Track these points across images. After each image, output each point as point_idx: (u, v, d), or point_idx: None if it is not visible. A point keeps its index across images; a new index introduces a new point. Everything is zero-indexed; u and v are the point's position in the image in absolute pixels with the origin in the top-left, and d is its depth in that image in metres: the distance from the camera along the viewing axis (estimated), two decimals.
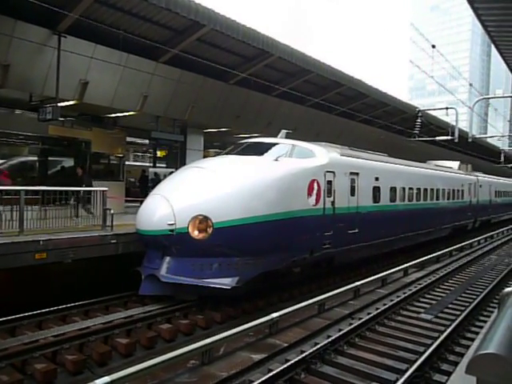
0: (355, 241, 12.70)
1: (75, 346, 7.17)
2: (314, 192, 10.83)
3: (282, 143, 11.49)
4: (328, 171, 11.49)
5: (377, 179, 14.18)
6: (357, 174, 12.90)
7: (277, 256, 9.98)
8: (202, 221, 8.94)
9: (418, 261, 14.27)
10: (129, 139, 18.15)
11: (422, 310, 9.62)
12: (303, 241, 10.66)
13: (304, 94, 18.86)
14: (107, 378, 5.17)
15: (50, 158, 16.46)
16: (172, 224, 8.87)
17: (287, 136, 12.57)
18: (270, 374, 5.92)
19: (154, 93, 14.56)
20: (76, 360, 6.73)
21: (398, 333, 8.12)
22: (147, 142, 25.46)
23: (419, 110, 22.72)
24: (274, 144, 11.44)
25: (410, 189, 16.85)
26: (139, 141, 26.86)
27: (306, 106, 20.78)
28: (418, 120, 21.79)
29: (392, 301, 9.89)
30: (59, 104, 12.14)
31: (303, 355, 6.58)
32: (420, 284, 11.83)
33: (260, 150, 11.17)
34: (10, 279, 8.99)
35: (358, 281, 11.03)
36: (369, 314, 8.86)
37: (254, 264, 9.46)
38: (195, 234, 8.94)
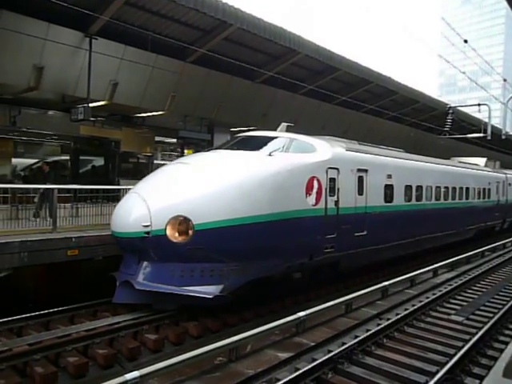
0: (364, 244, 11.54)
1: (106, 341, 7.35)
2: (314, 191, 9.76)
3: (281, 137, 10.41)
4: (331, 168, 10.33)
5: (389, 177, 12.84)
6: (365, 170, 11.63)
7: (268, 262, 9.01)
8: (182, 222, 8.06)
9: (448, 261, 13.94)
10: (157, 138, 18.43)
11: (453, 312, 9.39)
12: (300, 244, 9.56)
13: (331, 91, 18.71)
14: (136, 373, 5.28)
15: (81, 158, 16.92)
16: (147, 225, 8.00)
17: (288, 129, 11.45)
18: (297, 373, 5.90)
19: (181, 92, 14.74)
20: (107, 354, 6.90)
21: (427, 334, 7.96)
22: (175, 140, 25.79)
23: (450, 107, 22.19)
24: (272, 138, 10.36)
25: (429, 187, 15.49)
26: (167, 140, 27.22)
27: (333, 104, 20.62)
28: (449, 117, 21.26)
29: (421, 302, 9.70)
30: (90, 104, 12.46)
31: (330, 355, 6.54)
32: (450, 285, 11.55)
33: (255, 144, 10.14)
34: (44, 275, 9.29)
35: (386, 281, 10.87)
36: (397, 314, 8.72)
37: (241, 271, 8.58)
38: (174, 236, 8.07)
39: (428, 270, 12.73)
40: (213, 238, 8.14)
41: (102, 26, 11.59)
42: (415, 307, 9.15)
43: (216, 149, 10.75)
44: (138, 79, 13.60)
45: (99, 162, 17.26)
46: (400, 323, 8.26)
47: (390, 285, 10.64)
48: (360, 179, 11.44)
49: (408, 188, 14.01)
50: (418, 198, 14.72)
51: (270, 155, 9.40)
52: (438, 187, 16.21)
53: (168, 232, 8.02)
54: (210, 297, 8.02)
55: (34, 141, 16.36)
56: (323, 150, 10.46)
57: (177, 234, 8.09)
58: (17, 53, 11.01)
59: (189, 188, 8.44)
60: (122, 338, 7.47)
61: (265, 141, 10.20)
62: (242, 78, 16.23)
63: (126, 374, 5.28)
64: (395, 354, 7.03)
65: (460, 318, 8.91)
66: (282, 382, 5.64)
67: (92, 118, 13.61)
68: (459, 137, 23.58)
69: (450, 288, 10.99)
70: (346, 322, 8.60)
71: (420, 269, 12.76)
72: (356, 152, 11.78)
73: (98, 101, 13.16)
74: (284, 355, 6.80)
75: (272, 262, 9.09)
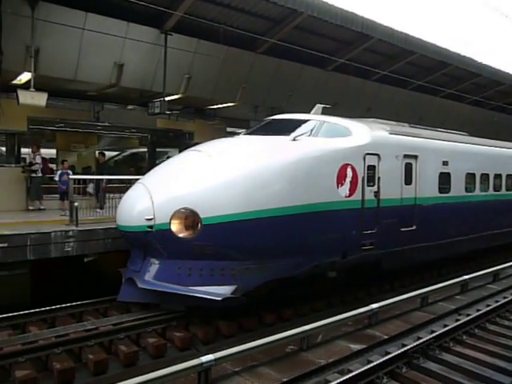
0: (412, 240, 10.23)
1: (182, 325, 7.73)
2: (348, 180, 8.65)
3: (312, 119, 9.37)
4: (369, 153, 9.12)
5: (445, 163, 11.29)
6: (415, 156, 10.30)
7: (290, 260, 8.04)
8: (188, 216, 7.29)
9: None
10: (228, 129, 18.81)
11: None
12: (330, 241, 8.50)
13: (406, 76, 17.91)
14: (211, 356, 5.49)
15: (157, 149, 17.77)
16: (150, 219, 7.31)
17: (324, 112, 10.25)
18: (370, 365, 5.83)
19: (252, 83, 14.87)
20: (183, 337, 7.27)
21: None
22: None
23: None
24: (301, 121, 9.33)
25: (498, 176, 13.52)
26: (238, 130, 27.66)
27: (408, 90, 19.74)
28: None
29: (506, 298, 9.10)
30: (166, 98, 12.99)
31: (405, 349, 6.37)
32: None
33: (281, 128, 9.21)
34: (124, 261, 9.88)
35: (466, 274, 10.32)
36: (478, 310, 8.26)
37: (257, 270, 7.71)
38: (179, 231, 7.33)
39: None
40: (223, 233, 7.33)
41: (176, 22, 12.00)
42: (499, 303, 8.62)
43: (241, 134, 9.98)
44: (210, 72, 13.93)
45: (174, 153, 17.93)
46: (481, 319, 7.84)
47: (470, 279, 10.09)
48: (408, 167, 10.14)
49: (470, 177, 12.39)
50: (484, 189, 12.98)
51: (294, 140, 8.45)
52: (509, 175, 14.25)
53: (173, 226, 7.30)
54: (219, 299, 7.14)
55: (115, 134, 17.47)
56: (360, 133, 9.28)
57: (183, 229, 7.34)
58: (100, 52, 11.74)
59: (197, 178, 7.65)
60: (195, 324, 7.77)
61: (293, 124, 9.24)
62: (313, 67, 16.04)
63: (201, 356, 5.51)
64: (475, 351, 6.69)
65: None
66: (354, 373, 5.60)
67: (167, 112, 14.18)
68: None
69: None
70: (422, 316, 8.32)
71: (505, 263, 11.94)
72: (403, 135, 10.39)
73: (173, 94, 13.66)
74: (356, 347, 6.74)
75: (294, 260, 8.11)
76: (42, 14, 10.39)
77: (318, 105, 10.42)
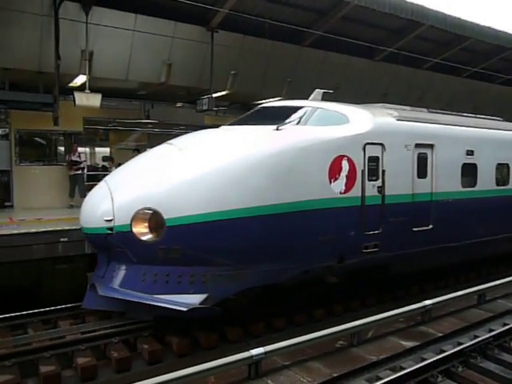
0: (427, 242, 8.97)
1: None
2: (343, 174, 7.56)
3: (305, 106, 8.32)
4: (371, 143, 7.96)
5: (470, 153, 9.85)
6: (430, 146, 9.01)
7: (272, 265, 7.07)
8: (151, 216, 6.49)
9: None
10: None
11: None
12: (322, 243, 7.43)
13: (460, 63, 17.13)
14: (261, 349, 5.55)
15: None
16: (110, 220, 6.53)
17: (325, 98, 9.16)
18: (424, 363, 5.68)
19: (298, 77, 14.77)
20: (236, 331, 7.36)
21: None
22: None
23: None
24: (295, 108, 8.32)
25: None
26: None
27: (462, 77, 18.88)
28: None
29: None
30: (213, 95, 13.18)
31: (461, 347, 6.16)
32: None
33: (270, 117, 8.25)
34: None
35: None
36: None
37: (232, 277, 6.82)
38: (141, 233, 6.54)
39: None
40: (191, 235, 6.49)
41: (222, 19, 12.12)
42: None
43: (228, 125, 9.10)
44: (256, 67, 13.96)
45: None
46: None
47: None
48: (421, 157, 8.87)
49: (502, 168, 10.81)
50: None
51: (277, 130, 7.46)
52: None
53: (134, 228, 6.50)
54: (184, 309, 6.34)
55: (164, 132, 17.92)
56: (359, 120, 8.11)
57: (145, 231, 6.55)
58: (150, 52, 12.10)
59: (163, 174, 6.85)
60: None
61: (283, 112, 8.29)
62: (360, 58, 15.71)
63: (251, 349, 5.58)
64: None
65: None
66: (407, 370, 5.49)
67: (215, 108, 14.38)
68: None
69: None
70: (479, 313, 7.99)
71: None
72: (414, 122, 9.03)
73: (220, 91, 13.82)
74: (409, 344, 6.59)
75: (278, 265, 7.15)
76: (95, 18, 10.83)
77: (317, 90, 9.35)
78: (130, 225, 6.48)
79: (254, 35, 13.19)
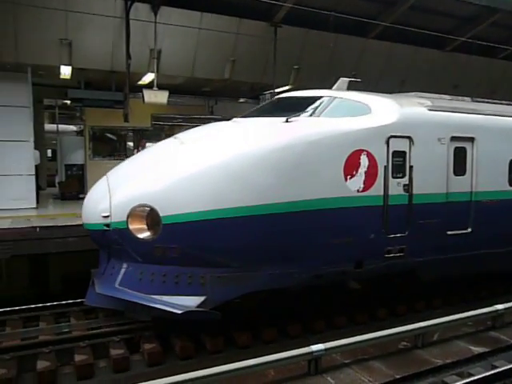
0: (465, 247, 8.03)
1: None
2: (361, 170, 6.84)
3: (324, 96, 7.58)
4: (395, 136, 7.14)
5: None
6: (470, 139, 8.02)
7: (277, 269, 6.62)
8: (148, 213, 6.22)
9: None
10: None
11: None
12: (336, 246, 6.82)
13: None
14: (321, 346, 5.54)
15: None
16: (107, 216, 6.32)
17: (351, 86, 8.46)
18: (496, 371, 5.40)
19: (363, 69, 14.42)
20: (297, 327, 7.33)
21: None
22: None
23: None
24: (313, 98, 7.58)
25: None
26: None
27: None
28: None
29: None
30: (276, 90, 13.23)
31: None
32: None
33: (286, 108, 7.59)
34: None
35: None
36: None
37: (232, 279, 6.46)
38: (137, 230, 6.28)
39: None
40: (189, 234, 6.18)
41: (285, 14, 12.11)
42: None
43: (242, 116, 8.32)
44: (319, 62, 13.81)
45: None
46: None
47: None
48: (459, 152, 7.92)
49: None
50: None
51: (286, 122, 6.84)
52: None
53: (130, 225, 6.23)
54: (178, 312, 5.98)
55: None
56: (383, 111, 7.29)
57: (142, 228, 6.29)
58: (214, 49, 12.38)
59: (162, 169, 6.55)
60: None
61: (300, 103, 7.60)
62: (429, 48, 15.05)
63: (311, 345, 5.58)
64: None
65: None
66: (475, 377, 5.25)
67: None
68: None
69: None
70: None
71: None
72: (450, 112, 8.00)
73: (283, 86, 13.83)
74: (477, 349, 6.28)
75: (284, 269, 6.66)
76: (164, 17, 11.24)
77: (341, 78, 8.60)
78: (127, 221, 6.21)
79: (317, 29, 13.05)
